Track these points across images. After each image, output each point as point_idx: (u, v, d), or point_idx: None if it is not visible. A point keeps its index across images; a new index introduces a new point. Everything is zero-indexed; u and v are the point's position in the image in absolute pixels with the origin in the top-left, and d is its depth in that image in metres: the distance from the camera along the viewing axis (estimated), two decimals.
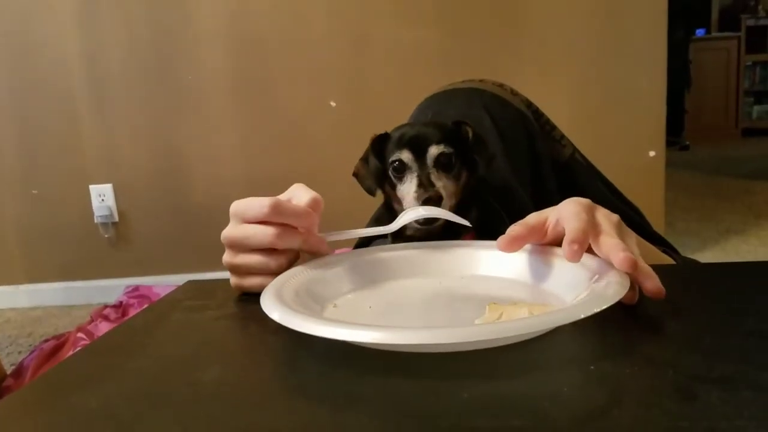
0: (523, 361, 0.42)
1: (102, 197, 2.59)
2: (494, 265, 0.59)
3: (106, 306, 2.04)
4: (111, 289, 2.49)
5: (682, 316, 0.49)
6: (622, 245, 0.49)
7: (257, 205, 0.57)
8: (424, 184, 0.80)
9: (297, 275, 0.56)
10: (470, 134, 0.85)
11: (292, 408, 0.40)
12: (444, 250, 0.63)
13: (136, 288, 2.19)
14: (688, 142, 5.58)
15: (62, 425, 0.40)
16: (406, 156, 0.83)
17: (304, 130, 2.48)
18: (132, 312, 1.97)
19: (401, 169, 0.84)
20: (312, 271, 0.57)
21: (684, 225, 2.90)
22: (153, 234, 2.61)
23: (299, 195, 0.60)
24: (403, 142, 0.84)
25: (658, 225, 2.27)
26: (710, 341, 0.45)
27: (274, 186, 2.74)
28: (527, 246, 0.57)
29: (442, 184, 0.81)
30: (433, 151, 0.82)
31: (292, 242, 0.57)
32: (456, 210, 0.85)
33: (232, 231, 0.60)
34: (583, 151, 1.08)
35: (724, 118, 6.34)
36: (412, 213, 0.68)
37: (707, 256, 2.42)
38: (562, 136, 1.06)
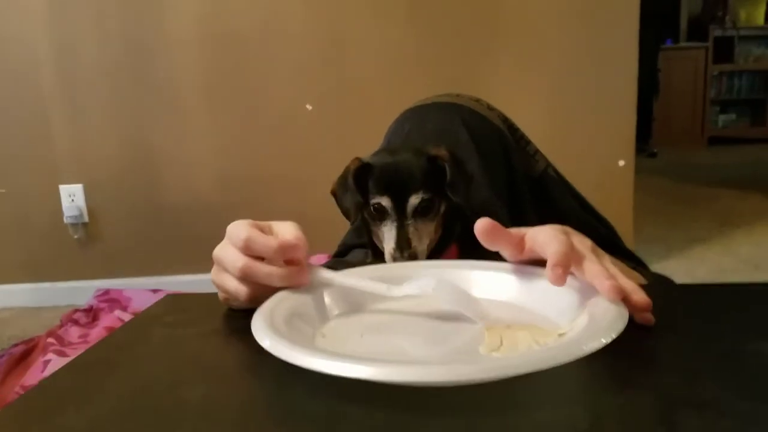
0: (502, 392, 0.43)
1: (72, 197, 2.55)
2: (483, 286, 0.59)
3: (76, 310, 2.02)
4: (81, 290, 2.45)
5: (659, 337, 0.50)
6: (606, 272, 0.49)
7: (236, 233, 0.57)
8: (401, 242, 0.83)
9: (286, 299, 0.55)
10: (447, 169, 0.86)
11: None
12: (432, 270, 0.63)
13: (107, 291, 2.16)
14: (655, 150, 5.69)
15: None
16: (386, 203, 0.86)
17: (280, 131, 2.47)
18: (103, 316, 1.95)
19: (381, 212, 0.87)
20: (299, 295, 0.57)
21: (651, 231, 2.96)
22: (124, 235, 2.58)
23: (283, 230, 0.60)
24: (384, 186, 0.86)
25: (626, 232, 2.32)
26: (690, 364, 0.46)
27: (249, 187, 2.75)
28: (515, 268, 0.58)
29: (418, 235, 0.84)
30: (413, 200, 0.85)
31: (258, 276, 0.57)
32: (441, 233, 0.87)
33: (217, 248, 0.60)
34: (553, 157, 1.10)
35: (691, 126, 6.47)
36: (416, 286, 0.57)
37: (672, 263, 2.47)
38: (536, 151, 1.08)
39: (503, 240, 0.55)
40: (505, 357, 0.45)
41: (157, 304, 0.70)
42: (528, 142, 1.08)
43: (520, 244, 0.56)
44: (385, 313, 0.58)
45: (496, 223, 0.54)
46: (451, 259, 0.89)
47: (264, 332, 0.47)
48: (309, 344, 0.50)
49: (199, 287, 2.33)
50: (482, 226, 0.54)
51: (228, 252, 0.58)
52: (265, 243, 0.56)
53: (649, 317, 0.50)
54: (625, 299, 0.49)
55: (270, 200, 2.47)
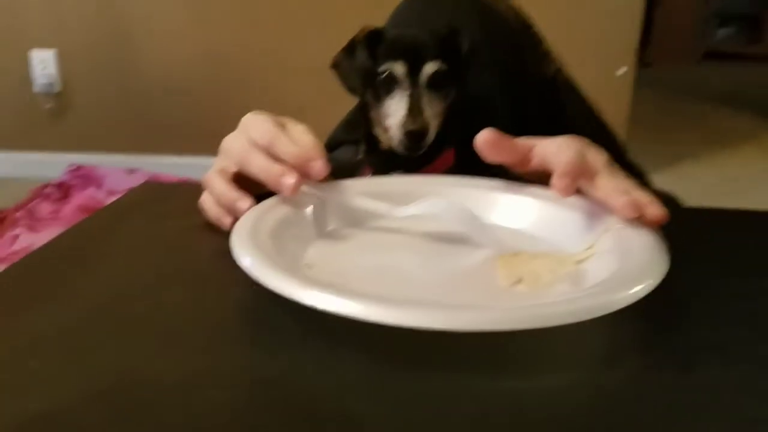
0: (518, 343, 0.36)
1: (44, 64, 2.41)
2: (490, 208, 0.53)
3: (47, 184, 1.94)
4: (52, 164, 2.36)
5: (672, 268, 0.45)
6: (621, 189, 0.46)
7: (260, 127, 0.51)
8: (414, 111, 0.75)
9: (274, 209, 0.49)
10: (465, 45, 0.79)
11: (254, 353, 0.36)
12: (436, 187, 0.56)
13: (79, 168, 2.08)
14: (651, 60, 5.56)
15: (7, 351, 0.36)
16: (399, 69, 0.77)
17: (264, 4, 2.32)
18: (75, 193, 1.88)
19: (391, 82, 0.78)
20: (289, 206, 0.50)
21: (639, 144, 2.91)
22: (99, 108, 2.46)
23: (298, 135, 0.52)
24: (399, 51, 0.77)
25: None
26: (707, 302, 0.43)
27: (232, 65, 2.62)
28: (525, 190, 0.53)
29: (431, 108, 0.76)
30: (429, 68, 0.77)
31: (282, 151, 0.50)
32: (439, 127, 0.80)
33: (227, 138, 0.54)
34: None
35: (688, 38, 6.31)
36: (422, 206, 0.50)
37: (659, 178, 2.44)
38: (549, 51, 1.00)
39: (508, 152, 0.51)
40: (537, 302, 0.39)
41: (135, 190, 0.64)
42: (541, 41, 1.00)
43: (528, 155, 0.51)
44: (386, 232, 0.52)
45: (499, 133, 0.49)
46: (447, 164, 0.83)
47: (245, 248, 0.41)
48: (295, 266, 0.43)
49: (178, 171, 2.29)
50: (485, 138, 0.49)
51: (243, 146, 0.51)
52: (288, 148, 0.50)
53: None
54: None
55: (257, 80, 2.35)
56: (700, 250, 0.51)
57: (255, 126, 0.52)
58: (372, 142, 0.87)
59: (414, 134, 0.75)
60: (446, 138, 0.84)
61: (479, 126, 0.61)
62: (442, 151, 0.84)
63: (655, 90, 4.45)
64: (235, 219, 0.48)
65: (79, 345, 0.36)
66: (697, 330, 0.39)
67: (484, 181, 0.56)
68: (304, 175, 0.49)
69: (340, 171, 0.69)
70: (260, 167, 0.50)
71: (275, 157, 0.50)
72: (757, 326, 0.40)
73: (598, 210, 0.47)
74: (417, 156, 0.79)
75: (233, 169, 0.53)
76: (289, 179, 0.48)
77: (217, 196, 0.52)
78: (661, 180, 1.00)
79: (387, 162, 0.85)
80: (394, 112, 0.77)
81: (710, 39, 6.43)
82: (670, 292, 0.42)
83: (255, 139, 0.51)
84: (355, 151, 0.94)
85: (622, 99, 2.32)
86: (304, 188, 0.50)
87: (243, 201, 0.50)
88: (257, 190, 0.51)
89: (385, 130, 0.82)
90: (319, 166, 0.49)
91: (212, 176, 0.53)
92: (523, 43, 0.97)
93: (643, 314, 0.40)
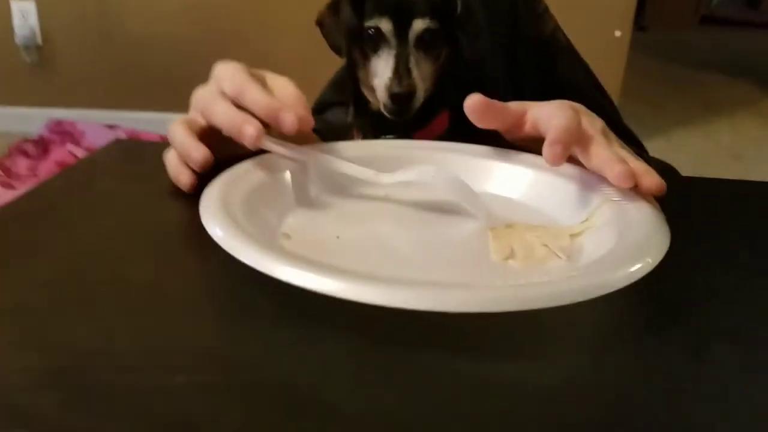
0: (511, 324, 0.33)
1: (24, 15, 2.33)
2: (482, 177, 0.49)
3: (25, 140, 1.88)
4: (31, 118, 2.29)
5: (673, 244, 0.41)
6: (617, 157, 0.43)
7: (228, 75, 0.47)
8: (401, 72, 0.70)
9: (250, 172, 0.45)
10: (459, 5, 0.74)
11: (224, 332, 0.33)
12: (426, 153, 0.52)
13: (59, 123, 2.02)
14: (646, 24, 5.49)
15: None
16: (386, 26, 0.73)
17: None
18: (54, 149, 1.83)
19: (377, 40, 0.74)
20: (267, 171, 0.46)
21: (633, 110, 2.88)
22: (80, 63, 2.40)
23: (279, 86, 0.48)
24: (386, 7, 0.73)
25: None
26: (713, 282, 0.40)
27: (216, 20, 2.55)
28: (519, 158, 0.49)
29: (419, 70, 0.72)
30: (418, 25, 0.73)
31: (249, 100, 0.46)
32: (433, 90, 0.77)
33: (197, 90, 0.50)
34: None
35: (685, 2, 6.23)
36: (411, 172, 0.47)
37: (652, 146, 2.42)
38: (546, 9, 0.96)
39: (498, 118, 0.48)
40: (529, 281, 0.37)
41: (106, 149, 0.60)
42: (539, 0, 0.96)
43: (520, 120, 0.48)
44: (371, 200, 0.48)
45: (487, 99, 0.46)
46: (441, 128, 0.79)
47: (215, 217, 0.37)
48: (271, 236, 0.40)
49: (158, 127, 2.23)
50: (473, 103, 0.46)
51: (211, 95, 0.47)
52: (257, 97, 0.45)
53: None
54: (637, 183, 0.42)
55: (241, 35, 2.28)
56: (701, 223, 0.48)
57: (226, 75, 0.47)
58: (360, 103, 0.83)
59: (400, 97, 0.72)
60: (440, 101, 0.80)
61: (474, 89, 0.57)
62: (436, 115, 0.80)
63: (650, 55, 4.40)
64: (195, 179, 0.45)
65: (32, 319, 0.33)
66: (702, 311, 0.36)
67: (476, 148, 0.52)
68: (277, 128, 0.45)
69: (329, 134, 0.65)
70: (223, 115, 0.46)
71: (244, 108, 0.46)
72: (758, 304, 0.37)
73: (595, 180, 0.44)
74: (407, 119, 0.76)
75: (200, 121, 0.49)
76: (250, 128, 0.43)
77: (175, 147, 0.48)
78: (654, 148, 0.98)
79: (377, 125, 0.81)
80: (381, 72, 0.74)
81: (707, 4, 6.36)
82: (671, 269, 0.39)
83: (224, 88, 0.47)
84: (345, 113, 0.90)
85: (616, 63, 2.27)
86: (284, 151, 0.46)
87: (198, 151, 0.46)
88: (230, 149, 0.47)
89: (373, 90, 0.78)
90: (291, 118, 0.44)
91: (174, 126, 0.49)
92: (519, 1, 0.93)
93: (643, 293, 0.37)
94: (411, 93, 0.72)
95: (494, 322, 0.32)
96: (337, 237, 0.42)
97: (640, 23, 5.49)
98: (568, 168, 0.46)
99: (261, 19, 2.27)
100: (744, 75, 3.85)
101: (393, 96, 0.72)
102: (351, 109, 0.86)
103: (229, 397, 0.28)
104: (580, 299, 0.31)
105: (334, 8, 0.78)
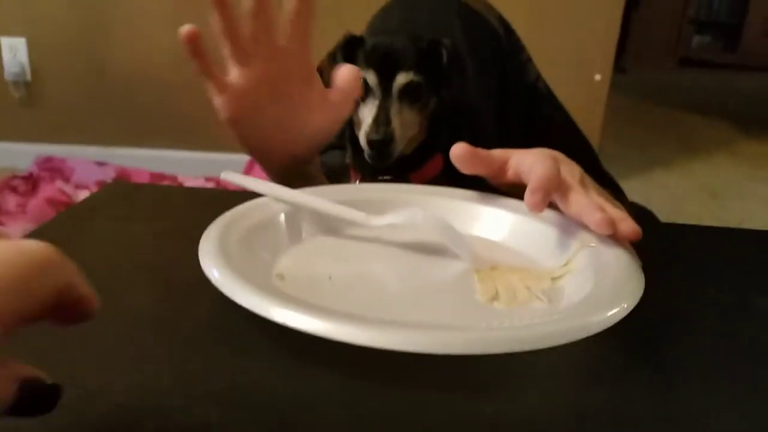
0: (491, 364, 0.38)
1: (14, 52, 2.35)
2: (466, 220, 0.52)
3: (14, 176, 1.89)
4: (20, 153, 2.31)
5: (649, 287, 0.45)
6: (595, 204, 0.45)
7: None
8: (380, 120, 0.74)
9: (245, 217, 0.46)
10: (445, 57, 0.78)
11: (223, 363, 0.35)
12: (413, 196, 0.55)
13: (49, 159, 2.04)
14: (627, 66, 5.61)
15: None
16: (371, 78, 0.77)
17: None
18: (43, 186, 1.84)
19: (365, 90, 0.77)
20: (261, 214, 0.48)
21: (613, 150, 2.94)
22: (69, 99, 2.41)
23: None
24: (373, 60, 0.77)
25: None
26: (687, 322, 0.43)
27: (210, 58, 2.52)
28: (502, 203, 0.52)
29: (400, 119, 0.76)
30: (401, 79, 0.76)
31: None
32: (426, 135, 0.80)
33: None
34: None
35: (664, 44, 6.39)
36: (400, 215, 0.49)
37: (631, 185, 2.47)
38: (529, 60, 1.00)
39: (482, 165, 0.50)
40: (513, 324, 0.38)
41: (101, 191, 0.63)
42: (522, 49, 1.00)
43: (503, 167, 0.51)
44: (361, 241, 0.50)
45: (472, 147, 0.49)
46: (435, 170, 0.82)
47: (213, 259, 0.39)
48: (265, 276, 0.42)
49: (148, 164, 2.26)
50: (458, 152, 0.49)
51: None
52: None
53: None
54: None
55: None
56: (677, 268, 0.51)
57: None
58: (356, 145, 0.86)
59: (376, 144, 0.75)
60: (434, 144, 0.84)
61: (467, 131, 0.60)
62: (431, 157, 0.83)
63: (630, 96, 4.50)
64: None
65: (27, 353, 0.35)
66: (676, 351, 0.38)
67: (461, 192, 0.55)
68: None
69: (329, 175, 0.68)
70: None
71: None
72: (738, 346, 0.39)
73: (573, 226, 0.47)
74: (386, 165, 0.79)
75: None
76: None
77: None
78: (633, 187, 1.02)
79: (374, 167, 0.84)
80: (364, 119, 0.78)
81: (686, 46, 6.52)
82: (647, 311, 0.42)
83: None
84: (342, 155, 0.93)
85: (596, 106, 2.33)
86: (281, 194, 0.49)
87: None
88: None
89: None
90: None
91: None
92: (505, 49, 0.97)
93: (621, 334, 0.39)
94: (387, 141, 0.75)
95: (478, 362, 0.35)
96: (329, 277, 0.44)
97: (620, 65, 5.62)
98: (549, 213, 0.48)
99: None
100: (721, 115, 3.95)
101: (370, 142, 0.75)
102: (348, 151, 0.89)
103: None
104: (563, 342, 0.33)
105: (332, 57, 0.82)
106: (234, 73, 0.55)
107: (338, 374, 0.34)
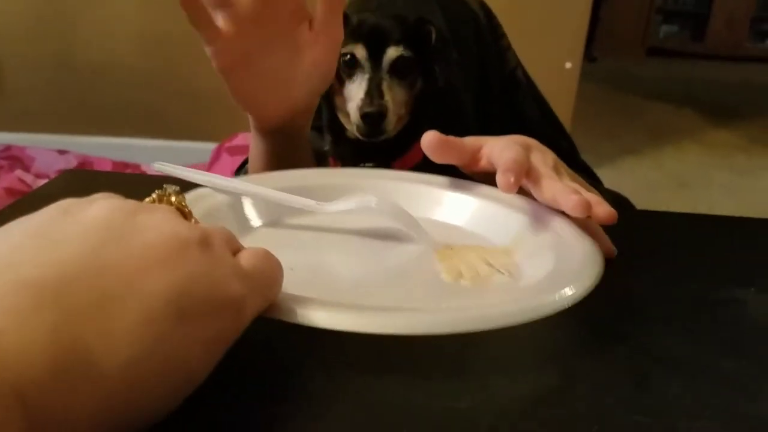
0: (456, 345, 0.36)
1: None
2: (421, 203, 0.51)
3: None
4: None
5: (624, 275, 0.45)
6: (570, 188, 0.44)
7: None
8: (372, 93, 0.72)
9: (198, 203, 0.44)
10: (433, 36, 0.76)
11: None
12: (366, 181, 0.53)
13: (8, 147, 1.97)
14: (596, 55, 5.66)
15: None
16: (360, 52, 0.74)
17: None
18: (2, 175, 1.78)
19: (353, 65, 0.75)
20: (209, 204, 0.45)
21: (583, 140, 2.96)
22: (32, 86, 2.35)
23: None
24: (361, 34, 0.74)
25: None
26: (660, 311, 0.41)
27: (170, 49, 2.50)
28: (453, 186, 0.52)
29: (392, 94, 0.74)
30: (392, 53, 0.74)
31: None
32: (411, 119, 0.78)
33: None
34: None
35: (633, 34, 6.45)
36: (353, 201, 0.47)
37: (603, 173, 2.48)
38: (509, 46, 0.98)
39: (454, 153, 0.50)
40: (478, 303, 0.38)
41: (53, 181, 0.59)
42: (503, 35, 0.98)
43: (476, 155, 0.50)
44: (314, 229, 0.48)
45: (443, 135, 0.48)
46: (418, 156, 0.80)
47: None
48: None
49: (111, 152, 2.20)
50: (429, 140, 0.48)
51: None
52: None
53: (611, 250, 0.46)
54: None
55: (199, 66, 2.26)
56: (651, 255, 0.50)
57: None
58: (337, 131, 0.84)
59: (371, 116, 0.73)
60: (417, 130, 0.82)
61: (448, 119, 0.58)
62: (414, 144, 0.81)
63: (599, 84, 4.54)
64: None
65: None
66: (650, 341, 0.37)
67: (414, 175, 0.54)
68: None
69: None
70: None
71: None
72: (717, 339, 0.38)
73: (522, 203, 0.47)
74: (379, 140, 0.76)
75: None
76: None
77: None
78: (603, 175, 1.01)
79: (356, 153, 0.82)
80: (354, 95, 0.75)
81: (654, 35, 6.60)
82: (620, 299, 0.40)
83: None
84: (320, 138, 0.90)
85: (567, 93, 2.33)
86: (220, 183, 0.47)
87: None
88: None
89: (348, 117, 0.79)
90: None
91: None
92: (486, 35, 0.95)
93: (589, 325, 0.39)
94: (382, 113, 0.73)
95: (441, 342, 0.33)
96: (291, 269, 0.42)
97: (589, 53, 5.67)
98: (491, 190, 0.48)
99: None
100: (689, 104, 4.00)
101: (364, 116, 0.73)
102: (328, 137, 0.86)
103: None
104: (533, 318, 0.32)
105: None
106: (221, 20, 0.53)
107: (292, 359, 0.33)
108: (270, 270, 0.31)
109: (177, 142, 2.31)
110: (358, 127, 0.76)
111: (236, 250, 0.31)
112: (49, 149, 2.06)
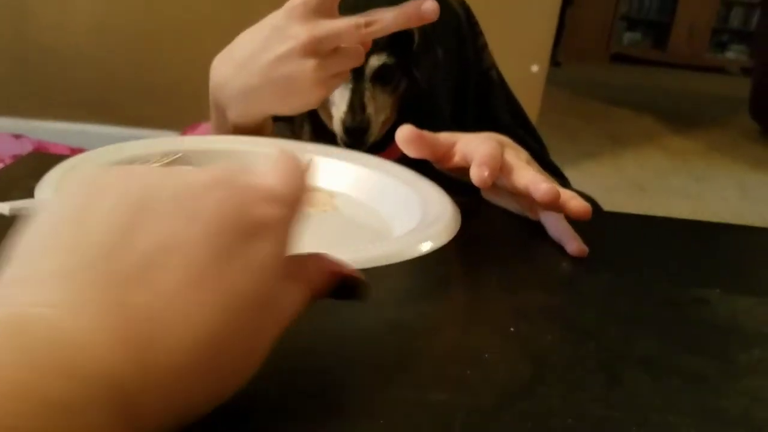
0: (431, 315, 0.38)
1: None
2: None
3: None
4: None
5: (593, 273, 0.46)
6: (541, 177, 0.46)
7: None
8: (355, 107, 0.72)
9: None
10: (416, 36, 0.75)
11: None
12: (231, 145, 0.56)
13: None
14: (560, 60, 5.73)
15: None
16: None
17: None
18: None
19: None
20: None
21: (546, 142, 2.99)
22: None
23: None
24: None
25: None
26: (630, 310, 0.42)
27: (128, 34, 2.44)
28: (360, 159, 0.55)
29: (375, 103, 0.73)
30: (374, 62, 0.73)
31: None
32: (392, 117, 0.77)
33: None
34: None
35: (597, 40, 6.55)
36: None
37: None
38: (485, 45, 0.98)
39: (428, 148, 0.51)
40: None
41: (17, 162, 0.58)
42: (479, 34, 0.98)
43: (449, 151, 0.51)
44: None
45: (418, 130, 0.49)
46: (397, 153, 0.80)
47: None
48: None
49: (68, 138, 2.14)
50: (404, 134, 0.49)
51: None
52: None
53: (583, 249, 0.46)
54: (562, 207, 0.46)
55: (157, 53, 2.22)
56: (619, 255, 0.51)
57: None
58: (318, 124, 0.83)
59: (353, 131, 0.73)
60: (397, 127, 0.81)
61: (426, 117, 0.58)
62: (391, 142, 0.81)
63: (563, 89, 4.60)
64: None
65: None
66: (621, 339, 0.38)
67: (291, 144, 0.57)
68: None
69: None
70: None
71: None
72: (686, 338, 0.39)
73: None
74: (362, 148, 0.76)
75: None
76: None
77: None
78: (567, 177, 1.03)
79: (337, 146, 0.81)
80: (337, 103, 0.74)
81: (618, 42, 6.72)
82: (591, 298, 0.41)
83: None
84: (289, 129, 0.89)
85: (533, 97, 2.35)
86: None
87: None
88: None
89: (329, 116, 0.78)
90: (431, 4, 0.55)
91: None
92: (465, 32, 0.95)
93: (563, 326, 0.39)
94: (365, 127, 0.73)
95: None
96: None
97: (554, 58, 5.74)
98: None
99: (176, 38, 2.22)
100: (649, 110, 4.09)
101: (347, 130, 0.73)
102: (306, 128, 0.85)
103: None
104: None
105: None
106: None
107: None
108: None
109: (133, 129, 2.26)
110: (341, 138, 0.76)
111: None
112: (4, 133, 2.00)
